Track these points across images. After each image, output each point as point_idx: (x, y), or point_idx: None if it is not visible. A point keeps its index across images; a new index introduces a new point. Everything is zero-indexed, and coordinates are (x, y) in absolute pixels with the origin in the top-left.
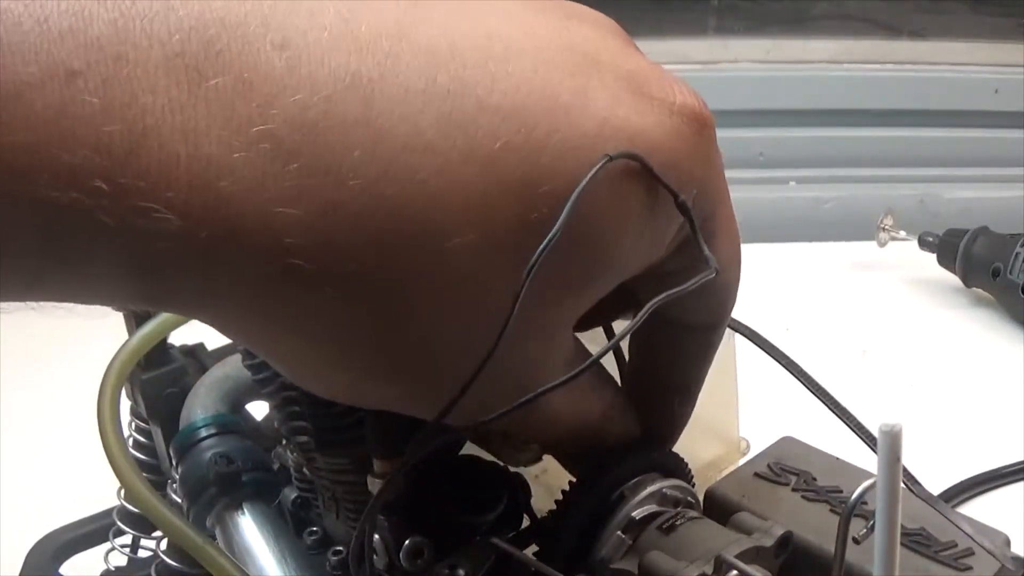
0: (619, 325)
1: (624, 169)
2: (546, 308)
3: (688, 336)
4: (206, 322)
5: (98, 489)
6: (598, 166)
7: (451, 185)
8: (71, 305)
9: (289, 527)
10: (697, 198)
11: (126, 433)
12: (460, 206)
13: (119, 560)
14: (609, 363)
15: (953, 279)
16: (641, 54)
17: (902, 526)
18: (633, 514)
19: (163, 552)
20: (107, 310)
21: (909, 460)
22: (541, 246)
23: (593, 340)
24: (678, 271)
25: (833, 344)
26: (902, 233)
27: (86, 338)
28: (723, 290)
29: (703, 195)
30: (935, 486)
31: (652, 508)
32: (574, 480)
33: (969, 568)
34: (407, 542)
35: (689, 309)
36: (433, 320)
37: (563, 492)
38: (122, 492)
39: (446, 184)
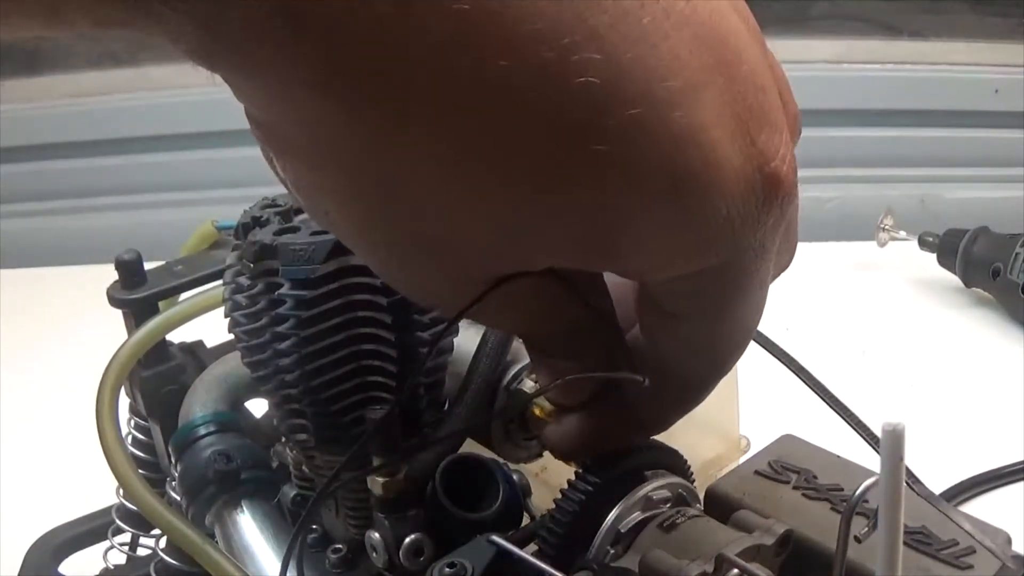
0: None
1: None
2: (534, 204)
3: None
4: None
5: (97, 487)
6: None
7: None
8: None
9: (288, 525)
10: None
11: (125, 431)
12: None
13: (118, 558)
14: None
15: (953, 279)
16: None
17: (904, 524)
18: (633, 512)
19: (162, 550)
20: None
21: (909, 459)
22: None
23: None
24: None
25: (833, 344)
26: (902, 233)
27: (87, 337)
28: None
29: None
30: (936, 485)
31: (652, 506)
32: (574, 478)
33: (970, 567)
34: (407, 540)
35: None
36: None
37: (563, 490)
38: (121, 490)
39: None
